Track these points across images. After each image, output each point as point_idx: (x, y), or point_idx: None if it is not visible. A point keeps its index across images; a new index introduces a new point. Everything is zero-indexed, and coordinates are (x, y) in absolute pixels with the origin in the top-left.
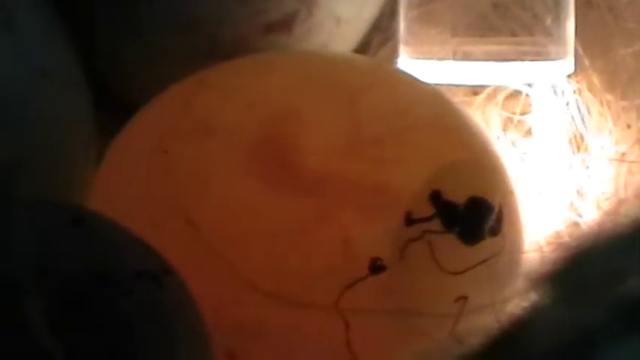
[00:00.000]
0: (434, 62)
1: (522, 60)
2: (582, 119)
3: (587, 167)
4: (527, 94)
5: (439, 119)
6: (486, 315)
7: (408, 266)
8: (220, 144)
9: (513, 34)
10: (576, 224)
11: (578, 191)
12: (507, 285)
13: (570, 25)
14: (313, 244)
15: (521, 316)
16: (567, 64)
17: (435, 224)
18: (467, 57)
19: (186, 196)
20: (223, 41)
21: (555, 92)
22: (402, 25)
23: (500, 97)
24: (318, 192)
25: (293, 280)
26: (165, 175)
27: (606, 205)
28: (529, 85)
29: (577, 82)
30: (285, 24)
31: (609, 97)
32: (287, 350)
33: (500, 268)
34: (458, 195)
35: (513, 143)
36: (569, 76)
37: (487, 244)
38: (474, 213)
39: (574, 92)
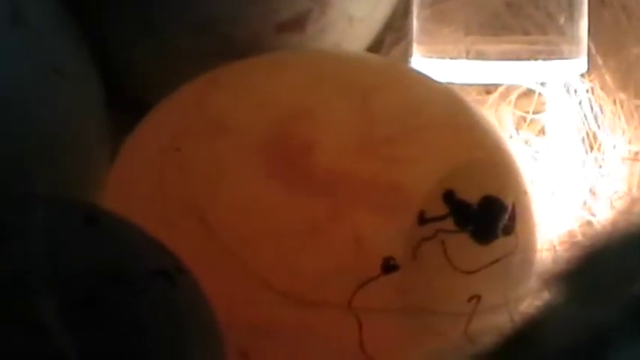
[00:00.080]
0: (447, 61)
1: (536, 59)
2: (595, 118)
3: (600, 166)
4: (540, 93)
5: (452, 118)
6: (499, 314)
7: (421, 265)
8: (233, 143)
9: (527, 33)
10: (589, 223)
11: (591, 190)
12: (520, 284)
13: (584, 24)
14: (326, 244)
15: (535, 316)
16: (580, 63)
17: (448, 223)
18: (480, 56)
19: (200, 194)
20: (236, 40)
21: (568, 91)
22: (415, 24)
23: (513, 95)
24: (330, 191)
25: (306, 280)
26: (178, 174)
27: (619, 204)
28: (542, 83)
29: (590, 80)
30: (298, 23)
31: (622, 95)
32: (299, 349)
33: (513, 268)
34: (471, 194)
35: (526, 142)
36: (582, 75)
37: (500, 244)
38: (487, 212)
39: (587, 91)
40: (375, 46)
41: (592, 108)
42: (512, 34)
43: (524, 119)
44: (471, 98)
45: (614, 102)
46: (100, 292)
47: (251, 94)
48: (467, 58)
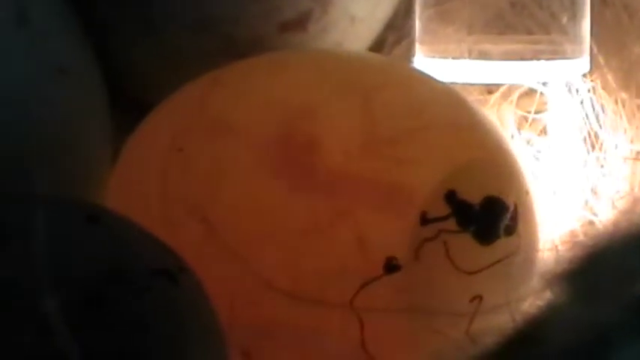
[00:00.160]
0: (449, 61)
1: (538, 59)
2: (597, 118)
3: (602, 166)
4: (542, 93)
5: (454, 118)
6: (501, 314)
7: (423, 266)
8: (235, 143)
9: (530, 33)
10: (591, 223)
11: (592, 190)
12: (522, 284)
13: (586, 23)
14: (328, 243)
15: (537, 316)
16: (582, 62)
17: (450, 224)
18: (482, 56)
19: (202, 194)
20: (238, 40)
21: (570, 91)
22: (417, 23)
23: (515, 95)
24: (333, 191)
25: (308, 279)
26: (180, 174)
27: (621, 204)
28: (544, 83)
29: (592, 80)
30: (300, 23)
31: (624, 95)
32: (302, 349)
33: (515, 268)
34: (473, 194)
35: (528, 142)
36: (584, 74)
37: (502, 244)
38: (489, 212)
39: (589, 91)
40: (377, 46)
41: (594, 107)
42: (516, 33)
43: (526, 119)
44: (472, 98)
45: (616, 101)
46: (101, 292)
47: (253, 93)
48: (469, 57)
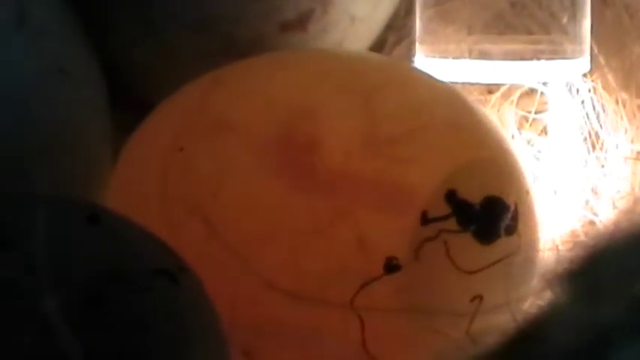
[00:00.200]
0: (449, 61)
1: (539, 59)
2: (597, 117)
3: (603, 166)
4: (542, 93)
5: (454, 118)
6: (502, 314)
7: (423, 265)
8: (236, 142)
9: (530, 33)
10: (592, 223)
11: (593, 190)
12: (523, 284)
13: (586, 23)
14: (329, 243)
15: (537, 315)
16: (583, 62)
17: (451, 223)
18: (483, 55)
19: (202, 194)
20: (239, 40)
21: (570, 91)
22: (418, 23)
23: (516, 95)
24: (333, 191)
25: (308, 279)
26: (180, 174)
27: (622, 204)
28: (544, 83)
29: (592, 80)
30: (300, 22)
31: (624, 95)
32: (302, 349)
33: (515, 267)
34: (473, 194)
35: (529, 142)
36: (584, 74)
37: (503, 243)
38: (489, 212)
39: (589, 91)
40: (378, 46)
41: (594, 107)
42: (516, 33)
43: (527, 119)
44: (473, 98)
45: (617, 101)
46: (102, 292)
47: (254, 93)
48: (470, 57)
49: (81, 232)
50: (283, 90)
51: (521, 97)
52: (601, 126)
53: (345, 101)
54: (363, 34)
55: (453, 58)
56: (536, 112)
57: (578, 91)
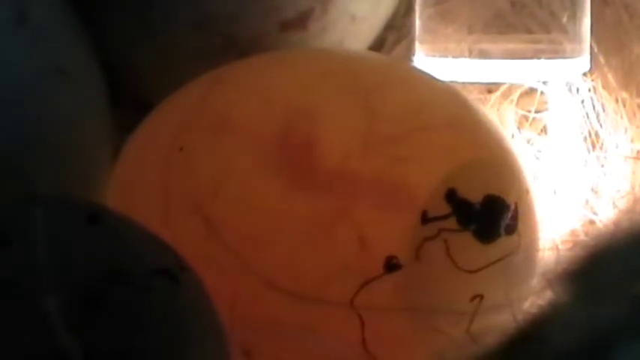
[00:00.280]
0: (449, 60)
1: (538, 58)
2: (597, 117)
3: (603, 165)
4: (542, 92)
5: (454, 117)
6: (502, 313)
7: (423, 265)
8: (236, 142)
9: (530, 32)
10: (592, 222)
11: (593, 189)
12: (523, 283)
13: (586, 22)
14: (329, 242)
15: (537, 315)
16: (583, 61)
17: (451, 223)
18: (483, 55)
19: (203, 193)
20: (239, 39)
21: (570, 90)
22: (418, 22)
23: (516, 94)
24: (333, 190)
25: (308, 278)
26: (181, 173)
27: (622, 203)
28: (544, 82)
29: (592, 79)
30: (300, 21)
31: (624, 94)
32: (302, 348)
33: (515, 267)
34: (473, 193)
35: (528, 141)
36: (584, 73)
37: (503, 243)
38: (489, 211)
39: (589, 90)
40: (377, 45)
41: (594, 107)
42: (516, 32)
43: (527, 118)
44: (472, 97)
45: (617, 101)
46: (102, 291)
47: (254, 92)
48: (469, 56)
49: (81, 232)
50: (283, 89)
51: (521, 96)
52: (601, 125)
53: (344, 101)
54: (363, 33)
55: (453, 57)
56: (536, 112)
57: (578, 90)
